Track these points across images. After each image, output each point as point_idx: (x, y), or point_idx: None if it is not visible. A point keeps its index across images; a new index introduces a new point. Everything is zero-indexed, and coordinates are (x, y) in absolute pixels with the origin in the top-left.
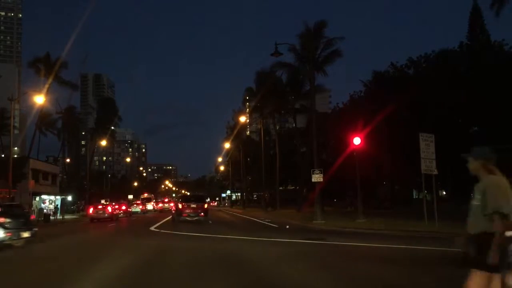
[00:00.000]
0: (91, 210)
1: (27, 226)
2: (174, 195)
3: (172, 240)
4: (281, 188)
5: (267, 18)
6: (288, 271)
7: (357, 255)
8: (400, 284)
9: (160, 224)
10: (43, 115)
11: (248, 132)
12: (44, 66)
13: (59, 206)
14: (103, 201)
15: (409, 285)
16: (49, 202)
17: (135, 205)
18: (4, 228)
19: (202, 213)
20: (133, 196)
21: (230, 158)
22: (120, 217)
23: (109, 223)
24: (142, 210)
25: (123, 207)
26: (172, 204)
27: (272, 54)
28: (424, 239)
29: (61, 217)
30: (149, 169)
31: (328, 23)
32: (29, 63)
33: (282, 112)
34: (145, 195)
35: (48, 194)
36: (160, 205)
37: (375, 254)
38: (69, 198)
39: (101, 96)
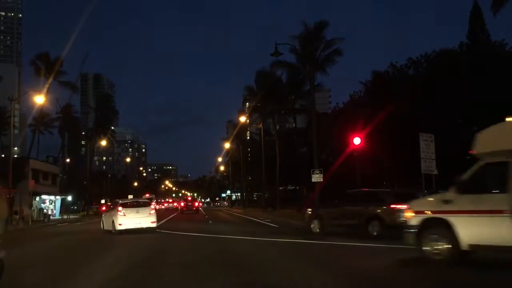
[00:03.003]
0: (103, 208)
1: None
2: (174, 195)
3: (173, 239)
4: (281, 188)
5: (267, 18)
6: (288, 271)
7: (356, 255)
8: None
9: (161, 224)
10: (41, 115)
11: (248, 132)
12: (44, 66)
13: (58, 206)
14: (102, 201)
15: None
16: (49, 202)
17: None
18: None
19: (194, 208)
20: (133, 196)
21: (230, 158)
22: None
23: None
24: None
25: None
26: (175, 204)
27: (272, 54)
28: None
29: (60, 217)
30: (149, 169)
31: (328, 23)
32: (31, 61)
33: (282, 112)
34: (147, 195)
35: (48, 194)
36: (166, 204)
37: (372, 253)
38: (69, 198)
39: (99, 94)
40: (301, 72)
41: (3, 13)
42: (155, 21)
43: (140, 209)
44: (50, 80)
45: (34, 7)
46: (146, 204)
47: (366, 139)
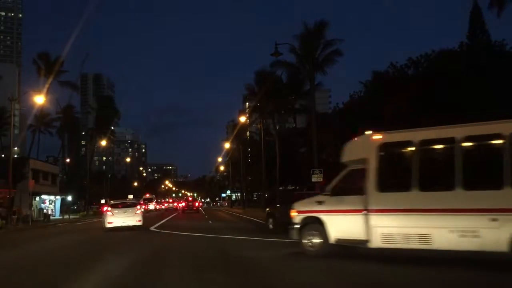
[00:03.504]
0: (105, 209)
1: None
2: (174, 195)
3: (174, 239)
4: (281, 188)
5: (267, 17)
6: (287, 271)
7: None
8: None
9: (162, 223)
10: (41, 115)
11: (248, 132)
12: (45, 66)
13: (58, 206)
14: (102, 201)
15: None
16: (49, 202)
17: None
18: None
19: (195, 208)
20: (133, 196)
21: (230, 158)
22: None
23: None
24: (145, 209)
25: None
26: (175, 204)
27: (272, 54)
28: None
29: (61, 216)
30: (149, 169)
31: (328, 23)
32: (33, 59)
33: (282, 112)
34: (147, 195)
35: (48, 194)
36: (166, 204)
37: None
38: (69, 198)
39: (101, 95)
40: (301, 72)
41: (3, 13)
42: (155, 21)
43: (127, 209)
44: (51, 80)
45: (34, 7)
46: (133, 205)
47: None
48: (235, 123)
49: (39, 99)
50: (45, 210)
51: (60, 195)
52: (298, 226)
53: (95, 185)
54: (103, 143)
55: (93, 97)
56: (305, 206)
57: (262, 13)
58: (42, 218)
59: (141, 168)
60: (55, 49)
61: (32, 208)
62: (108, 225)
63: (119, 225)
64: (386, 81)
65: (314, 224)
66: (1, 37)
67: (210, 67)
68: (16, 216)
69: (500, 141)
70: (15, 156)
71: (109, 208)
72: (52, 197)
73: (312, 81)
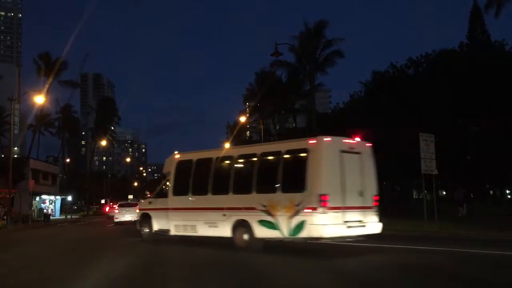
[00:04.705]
0: (107, 208)
1: None
2: None
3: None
4: None
5: (267, 17)
6: (286, 272)
7: (345, 255)
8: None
9: None
10: (41, 116)
11: (248, 133)
12: (45, 65)
13: (58, 206)
14: (102, 201)
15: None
16: (49, 202)
17: None
18: None
19: None
20: (133, 196)
21: None
22: None
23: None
24: None
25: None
26: None
27: (272, 54)
28: (424, 239)
29: (63, 216)
30: (149, 169)
31: (328, 23)
32: (33, 59)
33: (282, 112)
34: (149, 195)
35: (48, 194)
36: None
37: (371, 253)
38: (69, 198)
39: (101, 97)
40: (301, 72)
41: (3, 13)
42: (155, 21)
43: (129, 208)
44: (51, 80)
45: (34, 7)
46: (134, 205)
47: (365, 139)
48: (234, 124)
49: (39, 99)
50: (45, 210)
51: (60, 195)
52: (139, 219)
53: (95, 185)
54: (103, 143)
55: (93, 98)
56: (143, 205)
57: (263, 12)
58: (42, 218)
59: (141, 168)
60: (55, 49)
61: (32, 208)
62: (116, 220)
63: (123, 220)
64: (386, 81)
65: (146, 219)
66: (1, 37)
67: (210, 67)
68: (10, 216)
69: (229, 162)
70: (15, 156)
71: (116, 207)
72: (52, 197)
73: (312, 81)
